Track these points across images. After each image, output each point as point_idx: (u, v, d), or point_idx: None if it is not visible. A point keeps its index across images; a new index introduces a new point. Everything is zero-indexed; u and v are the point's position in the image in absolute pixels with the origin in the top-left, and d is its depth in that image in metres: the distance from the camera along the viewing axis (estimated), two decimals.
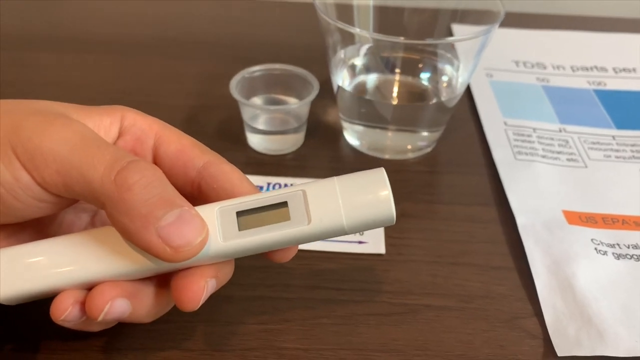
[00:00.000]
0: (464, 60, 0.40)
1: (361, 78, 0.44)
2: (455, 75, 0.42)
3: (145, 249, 0.22)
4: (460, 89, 0.41)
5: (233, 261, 0.26)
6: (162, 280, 0.25)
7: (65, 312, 0.23)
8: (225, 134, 0.44)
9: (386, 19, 0.44)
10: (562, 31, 0.60)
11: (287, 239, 0.24)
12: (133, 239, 0.22)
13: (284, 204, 0.24)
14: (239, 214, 0.24)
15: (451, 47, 0.41)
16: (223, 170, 0.25)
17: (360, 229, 0.24)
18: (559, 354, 0.29)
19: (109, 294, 0.23)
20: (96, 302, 0.23)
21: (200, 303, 0.24)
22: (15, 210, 0.23)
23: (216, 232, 0.24)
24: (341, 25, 0.37)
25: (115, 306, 0.23)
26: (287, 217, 0.24)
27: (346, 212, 0.23)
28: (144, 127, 0.27)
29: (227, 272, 0.26)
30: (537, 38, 0.59)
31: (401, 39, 0.36)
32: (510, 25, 0.57)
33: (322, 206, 0.24)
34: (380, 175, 0.24)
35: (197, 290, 0.23)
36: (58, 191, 0.23)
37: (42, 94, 0.48)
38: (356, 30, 0.37)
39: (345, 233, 0.24)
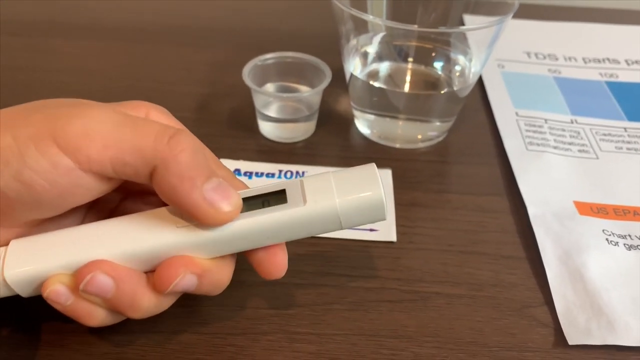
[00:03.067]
0: (477, 51, 0.40)
1: (374, 66, 0.44)
2: (467, 66, 0.41)
3: (190, 209, 0.23)
4: (472, 79, 0.41)
5: (227, 269, 0.26)
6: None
7: (50, 286, 0.24)
8: (237, 122, 0.44)
9: (399, 9, 0.44)
10: (574, 23, 0.60)
11: (284, 220, 0.25)
12: (181, 200, 0.23)
13: (282, 192, 0.25)
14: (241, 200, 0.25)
15: (464, 37, 0.41)
16: (237, 186, 0.26)
17: (354, 218, 0.25)
18: (569, 343, 0.29)
19: (93, 266, 0.24)
20: (81, 271, 0.24)
21: (169, 289, 0.24)
22: (50, 199, 0.23)
23: None
24: (355, 12, 0.37)
25: (97, 279, 0.24)
26: (284, 201, 0.25)
27: (340, 198, 0.25)
28: None
29: (216, 278, 0.26)
30: (549, 29, 0.59)
31: (415, 27, 0.36)
32: (522, 16, 0.57)
33: (317, 193, 0.25)
34: (372, 170, 0.26)
35: (170, 276, 0.24)
36: (102, 168, 0.23)
37: (56, 80, 0.48)
38: (369, 17, 0.37)
39: (340, 223, 0.25)
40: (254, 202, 0.25)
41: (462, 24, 0.44)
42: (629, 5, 0.64)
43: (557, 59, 0.54)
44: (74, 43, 0.54)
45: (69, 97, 0.26)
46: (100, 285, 0.24)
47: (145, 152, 0.23)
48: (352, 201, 0.25)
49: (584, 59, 0.54)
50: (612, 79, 0.51)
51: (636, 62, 0.54)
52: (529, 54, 0.54)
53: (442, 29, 0.39)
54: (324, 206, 0.25)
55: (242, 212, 0.25)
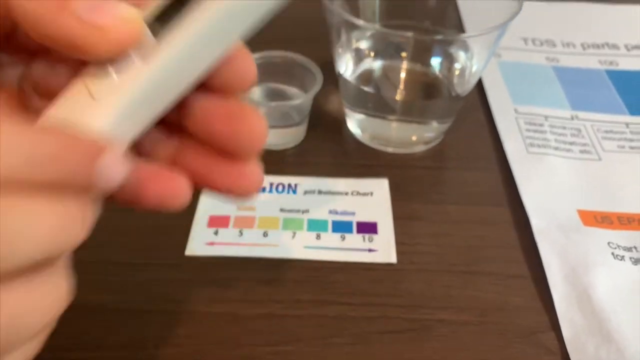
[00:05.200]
0: (478, 49, 0.38)
1: (366, 65, 0.41)
2: (468, 65, 0.39)
3: (60, 39, 0.16)
4: (472, 80, 0.39)
5: None
6: None
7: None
8: None
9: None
10: (570, 3, 0.57)
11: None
12: (44, 29, 0.16)
13: None
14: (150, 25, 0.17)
15: (463, 32, 0.39)
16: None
17: None
18: None
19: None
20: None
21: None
22: None
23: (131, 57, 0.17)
24: (347, 17, 0.34)
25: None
26: None
27: None
28: None
29: None
30: (545, 11, 0.56)
31: (409, 34, 0.34)
32: None
33: None
34: None
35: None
36: None
37: None
38: (360, 22, 0.34)
39: None
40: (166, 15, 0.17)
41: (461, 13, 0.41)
42: None
43: (554, 46, 0.51)
44: None
45: None
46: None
47: None
48: None
49: (582, 45, 0.52)
50: (612, 67, 0.49)
51: (636, 47, 0.52)
52: (525, 40, 0.52)
53: (439, 37, 0.37)
54: None
55: (159, 37, 0.17)
